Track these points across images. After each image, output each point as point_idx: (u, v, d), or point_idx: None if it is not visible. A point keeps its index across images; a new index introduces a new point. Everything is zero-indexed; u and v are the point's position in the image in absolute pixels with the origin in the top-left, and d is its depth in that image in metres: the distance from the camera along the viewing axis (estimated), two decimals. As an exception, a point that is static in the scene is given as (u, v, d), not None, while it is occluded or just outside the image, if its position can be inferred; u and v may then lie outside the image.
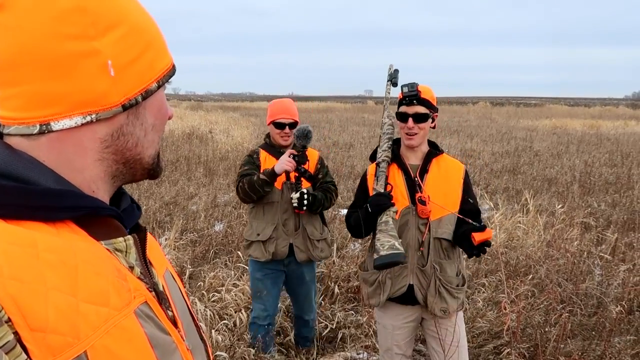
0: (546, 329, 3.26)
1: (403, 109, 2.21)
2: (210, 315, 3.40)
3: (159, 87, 0.65)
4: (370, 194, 2.20)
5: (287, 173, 2.78)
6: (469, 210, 2.25)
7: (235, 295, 3.66)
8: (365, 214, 2.14)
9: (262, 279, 2.93)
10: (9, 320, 0.46)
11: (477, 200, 2.36)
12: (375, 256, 1.99)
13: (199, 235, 5.25)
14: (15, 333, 0.46)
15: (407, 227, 2.21)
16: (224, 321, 3.37)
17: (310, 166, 2.87)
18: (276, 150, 2.89)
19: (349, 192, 7.70)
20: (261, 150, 2.95)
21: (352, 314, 3.67)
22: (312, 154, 2.90)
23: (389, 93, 2.24)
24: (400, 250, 1.96)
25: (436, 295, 2.20)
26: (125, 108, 0.60)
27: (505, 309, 2.81)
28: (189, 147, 11.86)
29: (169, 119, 0.71)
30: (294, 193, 2.75)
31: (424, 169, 2.26)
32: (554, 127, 20.43)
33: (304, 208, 2.75)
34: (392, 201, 2.10)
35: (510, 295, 3.71)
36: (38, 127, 0.56)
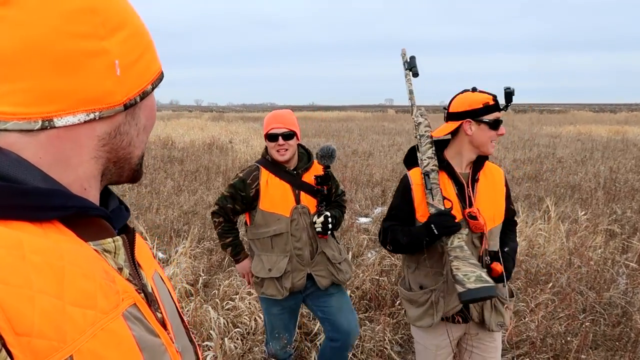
0: (567, 339, 3.15)
1: (496, 115, 2.00)
2: (223, 323, 3.40)
3: (152, 89, 0.67)
4: (418, 209, 2.03)
5: (297, 195, 2.48)
6: (512, 217, 2.18)
7: (250, 303, 3.64)
8: (427, 234, 1.90)
9: (279, 314, 2.59)
10: None
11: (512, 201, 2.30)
12: (461, 289, 1.80)
13: (216, 243, 5.27)
14: (0, 337, 0.44)
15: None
16: (237, 329, 3.36)
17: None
18: (280, 169, 2.49)
19: (367, 199, 7.66)
20: (262, 169, 2.52)
21: (367, 323, 3.61)
22: (319, 169, 2.54)
23: (410, 84, 2.01)
24: (491, 283, 1.79)
25: (492, 310, 2.06)
26: (126, 107, 0.62)
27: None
28: (209, 157, 11.98)
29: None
30: (316, 217, 2.44)
31: (474, 178, 2.05)
32: (578, 134, 20.03)
33: (329, 232, 2.46)
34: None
35: (530, 304, 3.61)
36: (40, 122, 0.56)
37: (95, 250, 0.59)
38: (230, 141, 15.88)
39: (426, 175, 1.97)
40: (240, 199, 2.51)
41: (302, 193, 2.49)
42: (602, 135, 18.83)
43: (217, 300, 3.74)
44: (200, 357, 0.79)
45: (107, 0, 0.60)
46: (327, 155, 2.45)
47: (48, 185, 0.56)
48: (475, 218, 1.96)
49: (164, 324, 0.66)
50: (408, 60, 2.02)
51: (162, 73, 0.71)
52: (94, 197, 0.63)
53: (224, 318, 3.45)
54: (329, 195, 2.57)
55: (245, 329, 3.43)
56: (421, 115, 2.04)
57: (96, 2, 0.58)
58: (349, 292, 3.87)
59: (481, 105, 1.99)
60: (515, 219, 2.28)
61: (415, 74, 2.01)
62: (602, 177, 9.01)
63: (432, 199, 1.93)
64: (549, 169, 10.27)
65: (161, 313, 0.67)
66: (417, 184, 2.05)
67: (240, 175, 2.56)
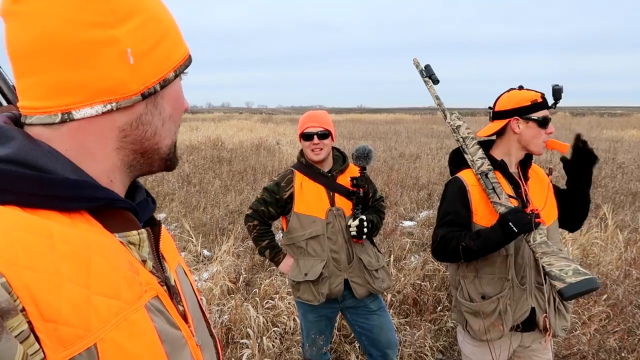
0: (622, 355, 2.96)
1: (545, 113, 1.92)
2: (263, 322, 3.42)
3: (176, 76, 0.65)
4: (475, 211, 1.94)
5: (331, 197, 2.44)
6: None
7: (289, 303, 3.65)
8: (504, 234, 1.79)
9: (315, 322, 2.56)
10: (24, 309, 0.46)
11: None
12: (561, 285, 1.68)
13: (259, 243, 5.32)
14: (29, 323, 0.46)
15: (522, 243, 1.92)
16: (276, 328, 3.37)
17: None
18: (314, 172, 2.46)
19: (412, 203, 7.53)
20: (296, 172, 2.49)
21: (407, 328, 3.53)
22: (355, 172, 2.51)
23: (434, 90, 1.98)
24: (590, 275, 1.69)
25: (556, 315, 1.96)
26: (144, 97, 0.61)
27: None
28: (256, 158, 12.15)
29: (185, 111, 0.71)
30: (351, 220, 2.39)
31: (526, 177, 2.00)
32: (642, 138, 18.88)
33: (364, 237, 2.41)
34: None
35: (582, 317, 3.41)
36: (60, 115, 0.57)
37: (121, 241, 0.60)
38: (277, 142, 16.07)
39: (483, 175, 1.90)
40: (274, 202, 2.49)
41: (336, 195, 2.44)
42: (670, 140, 17.66)
43: (257, 299, 3.77)
44: (220, 351, 0.80)
45: None
46: (362, 156, 2.40)
47: (78, 176, 0.58)
48: (537, 216, 1.85)
49: (185, 317, 0.67)
50: (423, 69, 1.99)
51: (188, 58, 0.69)
52: (119, 188, 0.64)
53: (263, 317, 3.47)
54: (365, 198, 2.51)
55: (284, 329, 3.44)
56: (458, 119, 1.98)
57: None
58: (389, 296, 3.81)
59: (529, 103, 1.92)
60: None
61: (436, 81, 1.97)
62: (667, 184, 8.44)
63: (499, 197, 1.85)
64: (608, 174, 9.73)
65: (183, 306, 0.68)
66: (473, 185, 1.95)
67: (275, 179, 2.56)
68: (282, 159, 11.96)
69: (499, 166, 1.96)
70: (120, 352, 0.52)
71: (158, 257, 0.67)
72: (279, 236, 4.58)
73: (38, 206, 0.53)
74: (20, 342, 0.45)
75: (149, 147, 0.65)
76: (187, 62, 0.68)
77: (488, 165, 1.91)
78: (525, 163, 2.02)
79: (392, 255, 4.62)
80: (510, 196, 1.88)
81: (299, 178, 2.47)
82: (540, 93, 1.94)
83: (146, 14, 0.61)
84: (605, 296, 3.64)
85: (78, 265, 0.51)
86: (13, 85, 0.86)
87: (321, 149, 2.41)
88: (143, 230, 0.64)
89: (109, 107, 0.58)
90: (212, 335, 0.78)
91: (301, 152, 2.54)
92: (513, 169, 2.00)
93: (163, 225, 0.73)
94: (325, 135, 2.42)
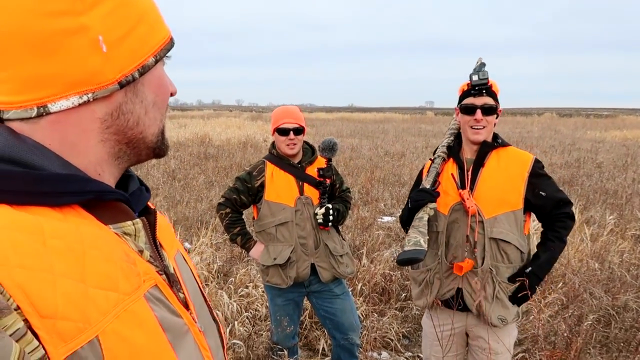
0: (569, 337, 3.14)
1: (470, 100, 2.02)
2: (237, 308, 3.56)
3: (156, 61, 0.63)
4: None
5: (300, 187, 2.61)
6: (542, 206, 2.03)
7: (263, 290, 3.80)
8: (407, 208, 2.12)
9: (283, 305, 2.72)
10: (18, 307, 0.45)
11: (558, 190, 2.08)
12: (400, 250, 1.96)
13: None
14: (25, 320, 0.45)
15: (458, 224, 2.07)
16: (247, 313, 3.51)
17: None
18: (285, 163, 2.63)
19: (393, 199, 7.70)
20: (267, 162, 2.65)
21: (375, 315, 3.69)
22: (323, 163, 2.66)
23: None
24: (422, 248, 1.90)
25: (493, 302, 2.00)
26: (122, 85, 0.59)
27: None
28: (242, 155, 12.27)
29: (172, 95, 0.69)
30: (318, 208, 2.57)
31: (479, 163, 2.08)
32: (624, 139, 19.23)
33: (330, 224, 2.59)
34: (437, 198, 2.04)
35: (539, 304, 3.60)
36: (36, 109, 0.55)
37: (116, 233, 0.60)
38: (264, 140, 16.18)
39: (432, 160, 2.16)
40: (246, 190, 2.64)
41: (305, 185, 2.61)
42: (651, 141, 18.03)
43: (232, 287, 3.91)
44: (224, 335, 0.80)
45: None
46: (328, 148, 2.57)
47: (67, 170, 0.57)
48: (466, 199, 2.04)
49: (186, 304, 0.67)
50: (477, 66, 2.05)
51: (170, 41, 0.66)
52: (109, 181, 0.63)
53: (237, 304, 3.61)
54: (332, 188, 2.68)
55: (257, 314, 3.58)
56: None
57: None
58: (360, 285, 3.97)
59: (460, 92, 2.10)
60: (567, 210, 2.06)
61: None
62: (640, 182, 8.69)
63: (426, 179, 2.11)
64: (586, 173, 9.98)
65: (183, 293, 0.68)
66: (426, 168, 2.23)
67: (247, 169, 2.71)
68: (269, 156, 12.05)
69: (451, 151, 2.16)
70: (122, 343, 0.52)
71: (155, 246, 0.66)
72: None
73: (28, 203, 0.52)
74: (16, 341, 0.44)
75: (133, 137, 0.63)
76: (169, 45, 0.65)
77: (441, 152, 2.13)
78: (483, 150, 2.08)
79: (365, 247, 4.78)
80: (436, 180, 2.09)
81: (270, 168, 2.62)
82: (469, 81, 2.03)
83: None
84: (561, 283, 3.84)
85: (72, 260, 0.51)
86: None
87: (295, 144, 2.58)
88: (138, 220, 0.63)
89: (85, 98, 0.56)
90: (215, 320, 0.77)
91: (273, 145, 2.70)
92: (471, 155, 2.12)
93: (160, 213, 0.72)
94: (300, 131, 2.59)
